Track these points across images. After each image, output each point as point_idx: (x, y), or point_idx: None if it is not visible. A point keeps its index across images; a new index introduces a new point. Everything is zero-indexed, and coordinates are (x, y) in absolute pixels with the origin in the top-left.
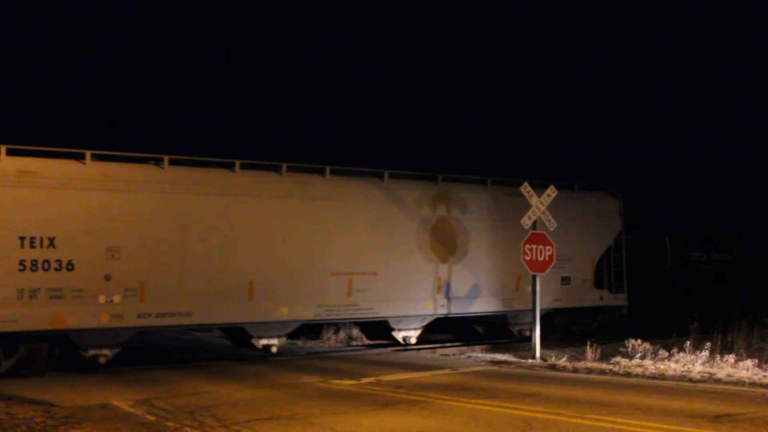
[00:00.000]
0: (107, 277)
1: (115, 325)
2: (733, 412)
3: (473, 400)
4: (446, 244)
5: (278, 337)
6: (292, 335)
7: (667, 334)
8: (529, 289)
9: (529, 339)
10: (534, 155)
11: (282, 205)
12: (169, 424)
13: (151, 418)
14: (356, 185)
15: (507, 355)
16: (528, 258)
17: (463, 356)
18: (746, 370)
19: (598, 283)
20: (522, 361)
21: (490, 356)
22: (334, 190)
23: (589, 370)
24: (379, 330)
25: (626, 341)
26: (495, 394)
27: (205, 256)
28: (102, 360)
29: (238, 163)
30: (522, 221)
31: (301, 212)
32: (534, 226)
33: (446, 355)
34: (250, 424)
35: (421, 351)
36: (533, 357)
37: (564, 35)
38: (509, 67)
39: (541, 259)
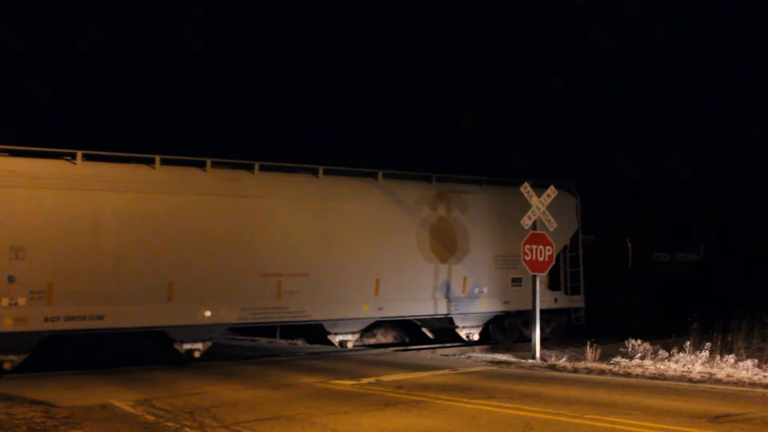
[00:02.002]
0: (11, 279)
1: (19, 329)
2: (733, 412)
3: (473, 400)
4: (386, 244)
5: (202, 341)
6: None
7: (667, 335)
8: (476, 290)
9: (477, 343)
10: (498, 153)
11: (205, 202)
12: (169, 424)
13: (151, 418)
14: (287, 182)
15: (507, 355)
16: (528, 258)
17: (462, 356)
18: (746, 370)
19: (553, 285)
20: (522, 361)
21: (489, 356)
22: (263, 187)
23: (589, 371)
24: (316, 334)
25: (626, 341)
26: (495, 394)
27: (120, 256)
28: (7, 366)
29: (158, 158)
30: (522, 221)
31: (226, 210)
32: (534, 226)
33: (446, 355)
34: (250, 424)
35: (421, 351)
36: (533, 357)
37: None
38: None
39: (541, 259)
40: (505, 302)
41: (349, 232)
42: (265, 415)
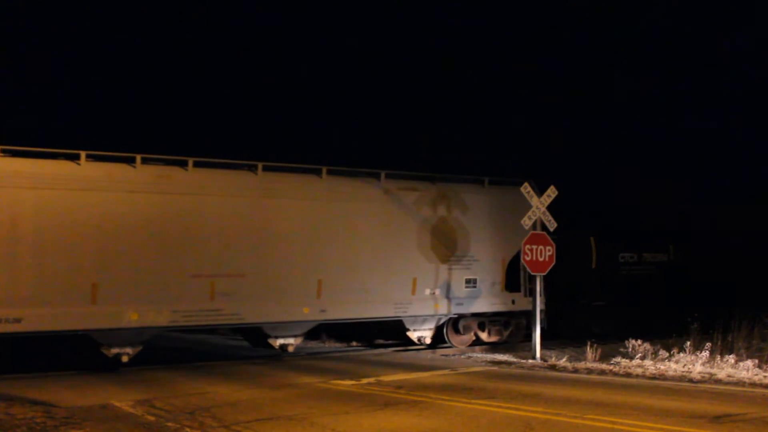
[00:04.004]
0: None
1: None
2: (734, 412)
3: (473, 401)
4: (330, 244)
5: (131, 345)
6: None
7: (667, 335)
8: (427, 292)
9: (429, 346)
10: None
11: (133, 200)
12: (169, 424)
13: (151, 418)
14: (224, 179)
15: (507, 355)
16: (528, 258)
17: (463, 356)
18: (746, 370)
19: (511, 286)
20: (522, 361)
21: (490, 356)
22: (197, 184)
23: (590, 371)
24: (256, 337)
25: (626, 341)
26: (495, 394)
27: (40, 255)
28: None
29: (83, 154)
30: (522, 221)
31: (155, 208)
32: (534, 226)
33: (446, 355)
34: (250, 424)
35: (422, 351)
36: (533, 357)
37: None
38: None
39: (541, 259)
40: (459, 304)
41: (290, 231)
42: (265, 415)
